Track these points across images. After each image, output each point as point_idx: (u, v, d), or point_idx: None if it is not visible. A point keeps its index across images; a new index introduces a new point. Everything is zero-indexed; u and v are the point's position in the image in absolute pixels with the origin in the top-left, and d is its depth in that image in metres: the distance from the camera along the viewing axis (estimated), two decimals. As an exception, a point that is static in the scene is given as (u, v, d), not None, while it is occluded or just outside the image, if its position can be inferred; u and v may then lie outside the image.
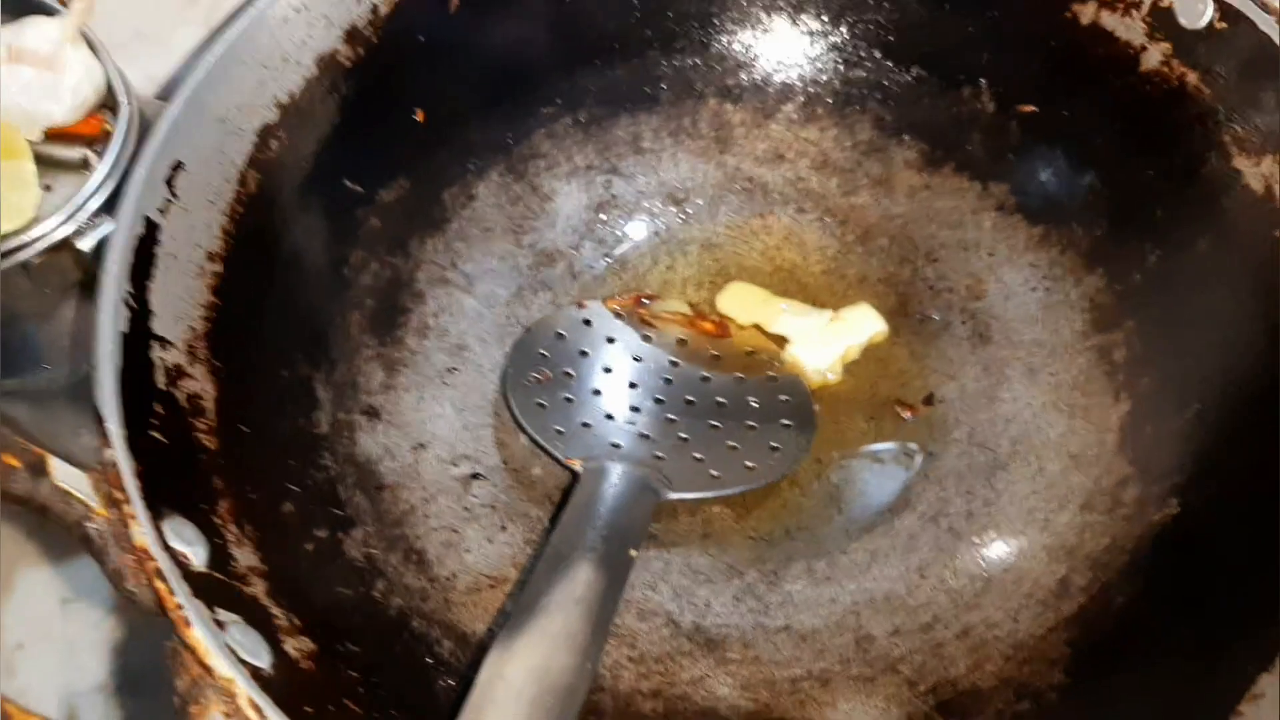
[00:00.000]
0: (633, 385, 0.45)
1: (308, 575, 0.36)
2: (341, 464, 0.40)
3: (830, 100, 0.50)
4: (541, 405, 0.44)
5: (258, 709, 0.28)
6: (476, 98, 0.47)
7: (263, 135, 0.41)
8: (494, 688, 0.32)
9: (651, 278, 0.49)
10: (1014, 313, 0.47)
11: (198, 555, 0.32)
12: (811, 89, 0.50)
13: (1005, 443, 0.44)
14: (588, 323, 0.46)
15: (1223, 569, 0.37)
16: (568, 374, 0.45)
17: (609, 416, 0.44)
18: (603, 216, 0.50)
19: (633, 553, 0.38)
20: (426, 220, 0.47)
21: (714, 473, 0.43)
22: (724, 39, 0.50)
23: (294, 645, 0.32)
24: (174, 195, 0.38)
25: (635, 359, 0.46)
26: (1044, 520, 0.42)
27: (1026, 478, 0.43)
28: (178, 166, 0.38)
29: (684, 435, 0.44)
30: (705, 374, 0.45)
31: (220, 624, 0.30)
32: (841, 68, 0.50)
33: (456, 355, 0.45)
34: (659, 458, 0.42)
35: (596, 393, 0.45)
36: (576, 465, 0.42)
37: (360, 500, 0.40)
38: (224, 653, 0.29)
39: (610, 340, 0.46)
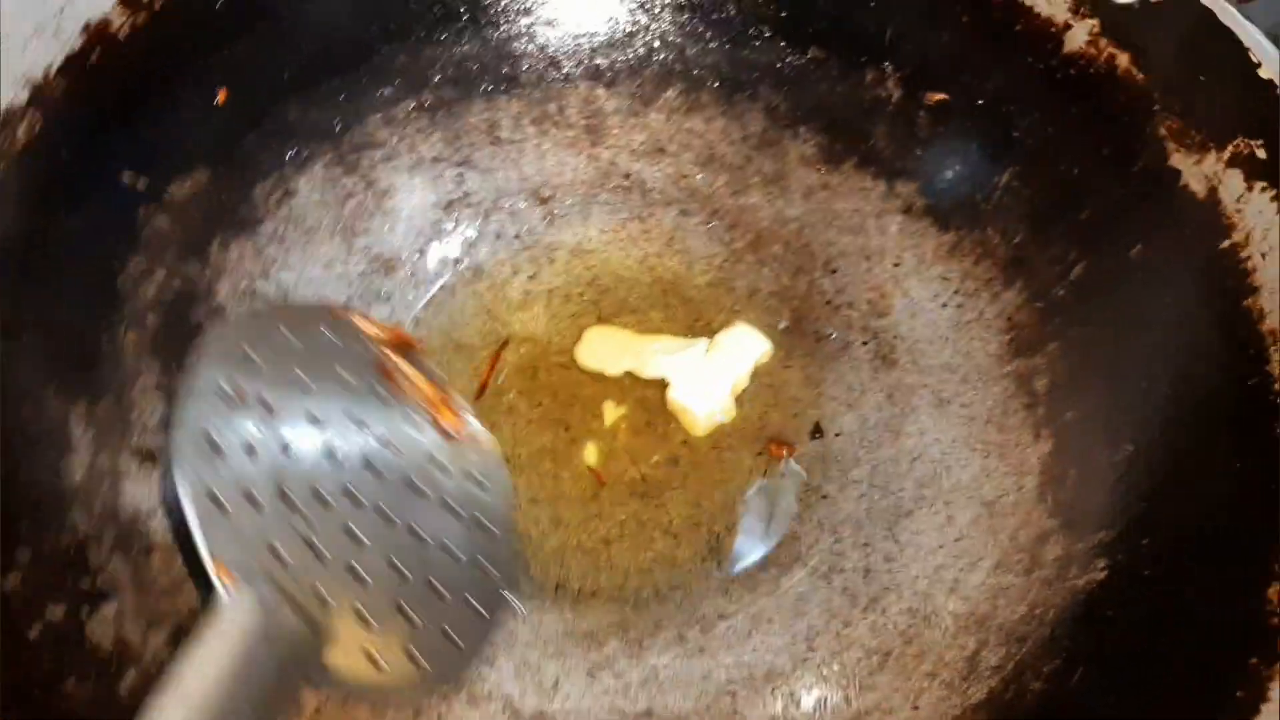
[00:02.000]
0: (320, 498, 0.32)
1: (26, 669, 0.28)
2: (97, 522, 0.33)
3: (717, 85, 0.44)
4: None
5: None
6: (293, 74, 0.40)
7: (7, 119, 0.33)
8: None
9: (512, 289, 0.42)
10: (922, 332, 0.40)
11: None
12: (695, 72, 0.44)
13: (910, 485, 0.38)
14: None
15: (1161, 647, 0.31)
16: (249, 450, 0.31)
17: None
18: (453, 216, 0.43)
19: None
20: (232, 220, 0.39)
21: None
22: (593, 9, 0.43)
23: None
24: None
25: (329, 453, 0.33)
26: (952, 581, 0.36)
27: (934, 528, 0.37)
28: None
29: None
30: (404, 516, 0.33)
31: None
32: (728, 47, 0.43)
33: (264, 383, 0.38)
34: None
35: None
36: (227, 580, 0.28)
37: (118, 566, 0.32)
38: None
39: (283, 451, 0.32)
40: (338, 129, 0.41)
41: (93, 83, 0.35)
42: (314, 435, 0.32)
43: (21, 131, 0.34)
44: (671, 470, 0.39)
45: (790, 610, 0.36)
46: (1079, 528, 0.35)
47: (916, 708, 0.33)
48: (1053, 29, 0.38)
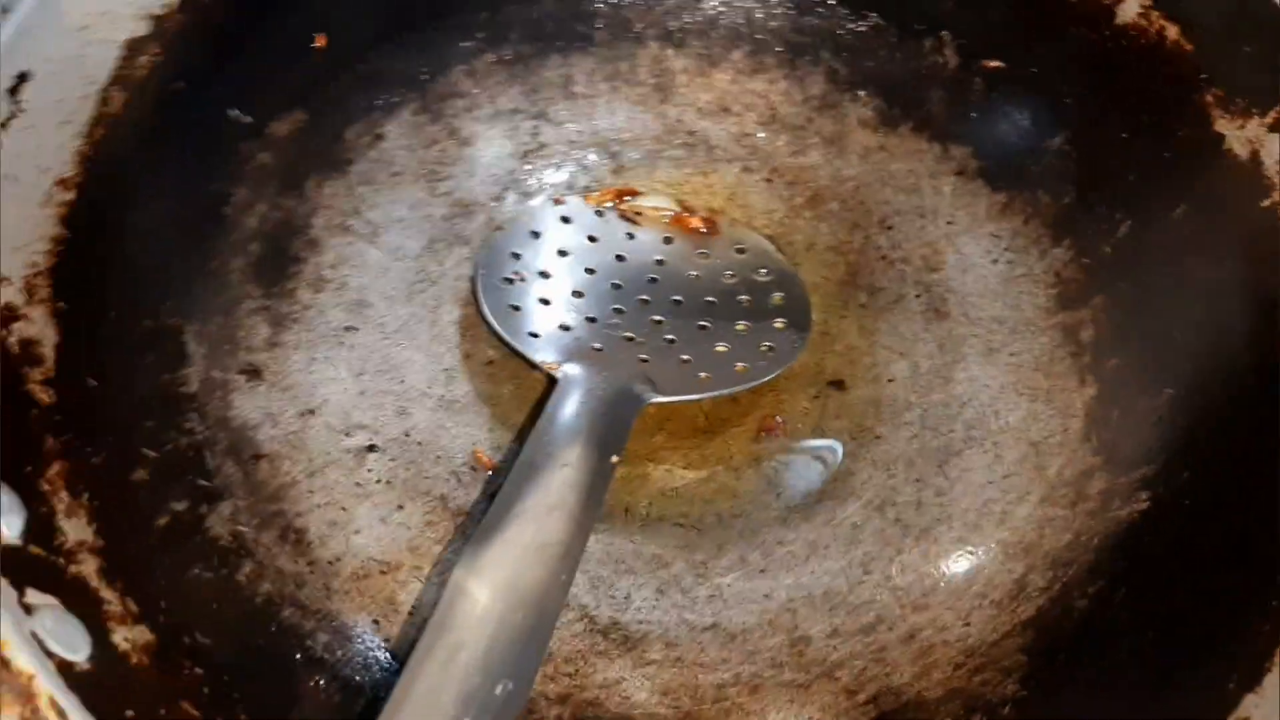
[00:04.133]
0: (615, 286, 0.42)
1: (155, 553, 0.31)
2: (212, 428, 0.35)
3: (780, 49, 0.46)
4: (515, 308, 0.41)
5: (60, 712, 0.23)
6: (386, 24, 0.42)
7: (131, 49, 0.36)
8: (458, 604, 0.29)
9: (580, 236, 0.45)
10: (973, 286, 0.43)
11: (10, 526, 0.26)
12: (760, 36, 0.46)
13: (960, 427, 0.40)
14: (566, 220, 0.43)
15: (1198, 572, 0.33)
16: (544, 274, 0.42)
17: (590, 319, 0.41)
18: (528, 166, 0.45)
19: (614, 459, 0.36)
20: (326, 160, 0.42)
21: (703, 374, 0.40)
22: (665, -26, 0.46)
23: (125, 636, 0.27)
24: (18, 108, 0.32)
25: (618, 258, 0.43)
26: (1000, 514, 0.38)
27: (982, 466, 0.39)
28: (23, 77, 0.33)
29: (670, 337, 0.41)
30: (693, 272, 0.43)
31: (28, 608, 0.24)
32: (793, 13, 0.46)
33: (356, 313, 0.40)
34: (644, 360, 0.40)
35: (577, 294, 0.42)
36: (554, 370, 0.39)
37: (231, 470, 0.35)
38: (27, 642, 0.23)
39: (591, 239, 0.43)
40: (424, 78, 0.44)
41: (207, 19, 0.37)
42: (595, 277, 0.42)
43: (143, 62, 0.36)
44: (731, 408, 0.42)
45: (846, 538, 0.38)
46: (1121, 464, 0.37)
47: (968, 624, 0.36)
48: (1106, 1, 0.41)
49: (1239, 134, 0.38)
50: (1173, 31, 0.39)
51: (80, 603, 0.27)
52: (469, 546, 0.31)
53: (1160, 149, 0.40)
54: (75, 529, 0.29)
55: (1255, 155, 0.37)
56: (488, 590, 0.29)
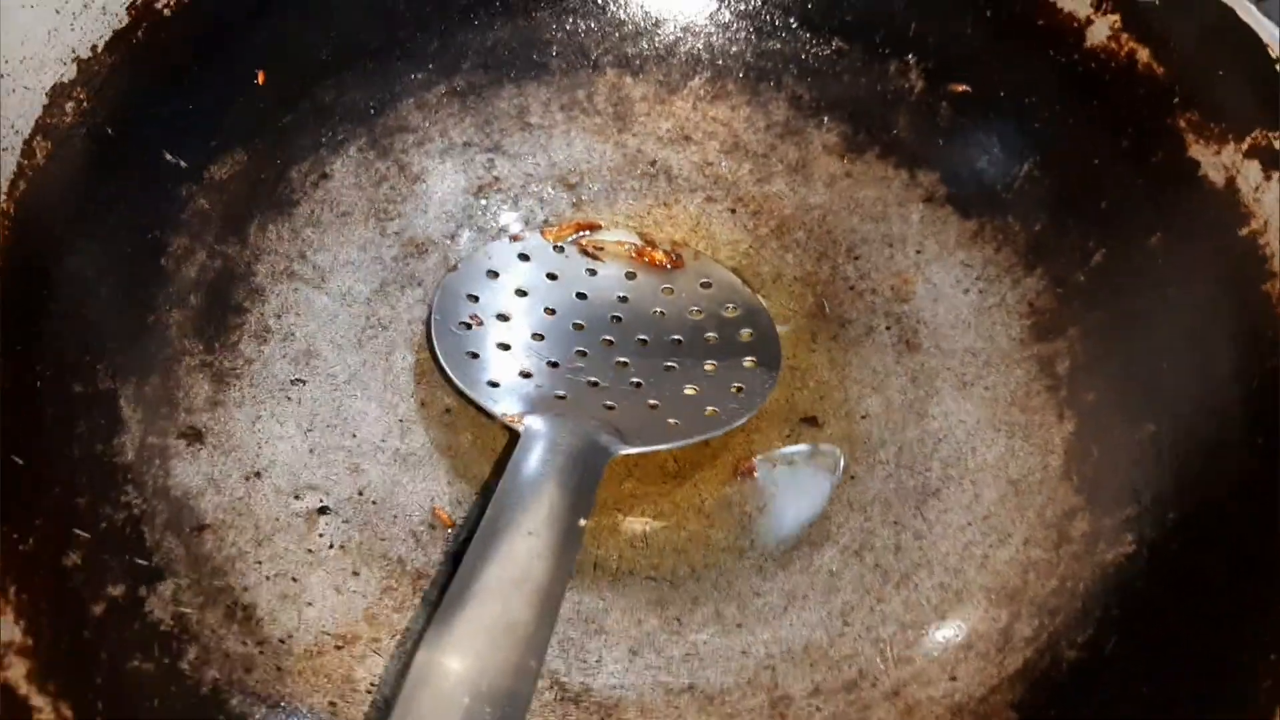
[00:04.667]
0: (578, 326, 0.40)
1: (91, 648, 0.28)
2: (150, 499, 0.33)
3: (742, 75, 0.44)
4: (473, 355, 0.39)
5: None
6: (330, 57, 0.40)
7: (55, 96, 0.33)
8: (421, 696, 0.27)
9: (539, 273, 0.43)
10: (944, 317, 0.42)
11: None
12: (721, 61, 0.45)
13: (936, 465, 0.39)
14: (525, 257, 0.42)
15: (1192, 620, 0.32)
16: (503, 317, 0.40)
17: (552, 364, 0.39)
18: (483, 201, 0.43)
19: (582, 523, 0.34)
20: (269, 202, 0.39)
21: (671, 420, 0.38)
22: (622, 0, 0.44)
23: (57, 748, 0.25)
24: (-71, 166, 0.30)
25: (580, 296, 0.41)
26: (982, 557, 0.37)
27: (961, 506, 0.38)
28: (-65, 130, 0.30)
29: (637, 380, 0.39)
30: (658, 309, 0.41)
31: (-54, 731, 0.22)
32: (754, 37, 0.44)
33: (303, 364, 0.38)
34: (609, 407, 0.38)
35: (537, 336, 0.40)
36: (516, 424, 0.37)
37: (172, 544, 0.33)
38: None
39: (551, 277, 0.41)
40: (371, 112, 0.42)
41: (137, 61, 0.35)
42: (556, 318, 0.40)
43: (69, 108, 0.34)
44: (702, 450, 0.40)
45: (824, 586, 0.37)
46: (1105, 504, 0.36)
47: (954, 679, 0.34)
48: (1075, 24, 0.40)
49: (1215, 160, 0.37)
50: (1144, 54, 0.38)
51: (8, 712, 0.25)
52: (431, 626, 0.29)
53: (1134, 175, 0.39)
54: (1, 629, 0.26)
55: (1231, 182, 0.36)
56: (453, 678, 0.27)
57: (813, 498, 0.39)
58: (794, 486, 0.39)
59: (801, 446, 0.40)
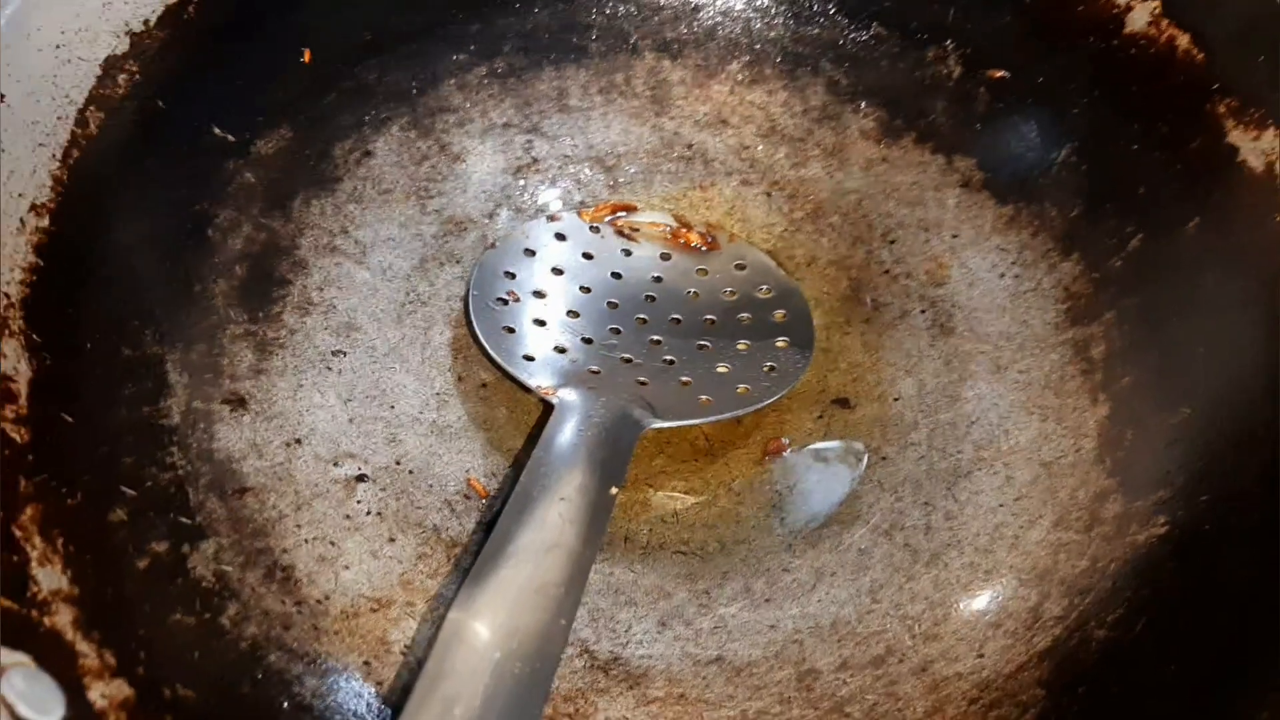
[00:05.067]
0: (612, 304, 0.41)
1: (135, 600, 0.29)
2: (194, 462, 0.34)
3: (779, 60, 0.45)
4: (509, 329, 0.40)
5: (30, 785, 0.21)
6: (374, 37, 0.41)
7: (108, 67, 0.34)
8: (454, 650, 0.28)
9: (575, 253, 0.43)
10: (979, 301, 0.42)
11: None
12: (759, 46, 0.45)
13: (968, 447, 0.39)
14: (561, 237, 0.42)
15: (1219, 598, 0.32)
16: (539, 294, 0.41)
17: (586, 340, 0.40)
18: (521, 181, 0.44)
19: (614, 491, 0.34)
20: (313, 177, 0.40)
21: (703, 397, 0.39)
22: (661, -17, 0.44)
23: (102, 692, 0.26)
24: (-11, 132, 0.31)
25: (615, 275, 0.42)
26: (1013, 538, 0.37)
27: (993, 488, 0.38)
28: (-5, 98, 0.31)
29: (670, 358, 0.40)
30: (692, 289, 0.42)
31: (-1, 669, 0.23)
32: (792, 23, 0.44)
33: (344, 336, 0.39)
34: (642, 383, 0.38)
35: (572, 314, 0.40)
36: (550, 395, 0.37)
37: (215, 506, 0.34)
38: (-5, 708, 0.22)
39: (587, 256, 0.42)
40: (414, 92, 0.42)
41: (188, 36, 0.36)
42: (591, 295, 0.41)
43: (122, 80, 0.35)
44: (734, 429, 0.40)
45: (853, 565, 0.37)
46: (1137, 486, 0.36)
47: (981, 655, 0.34)
48: (1114, 10, 0.40)
49: (1254, 145, 0.37)
50: (1184, 40, 0.38)
51: (55, 659, 0.25)
52: (464, 587, 0.29)
53: (1172, 161, 0.39)
54: (49, 578, 0.27)
55: (1270, 168, 0.36)
56: (485, 636, 0.28)
57: (841, 481, 0.39)
58: (823, 471, 0.40)
59: (834, 443, 0.40)
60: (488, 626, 0.28)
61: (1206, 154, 0.38)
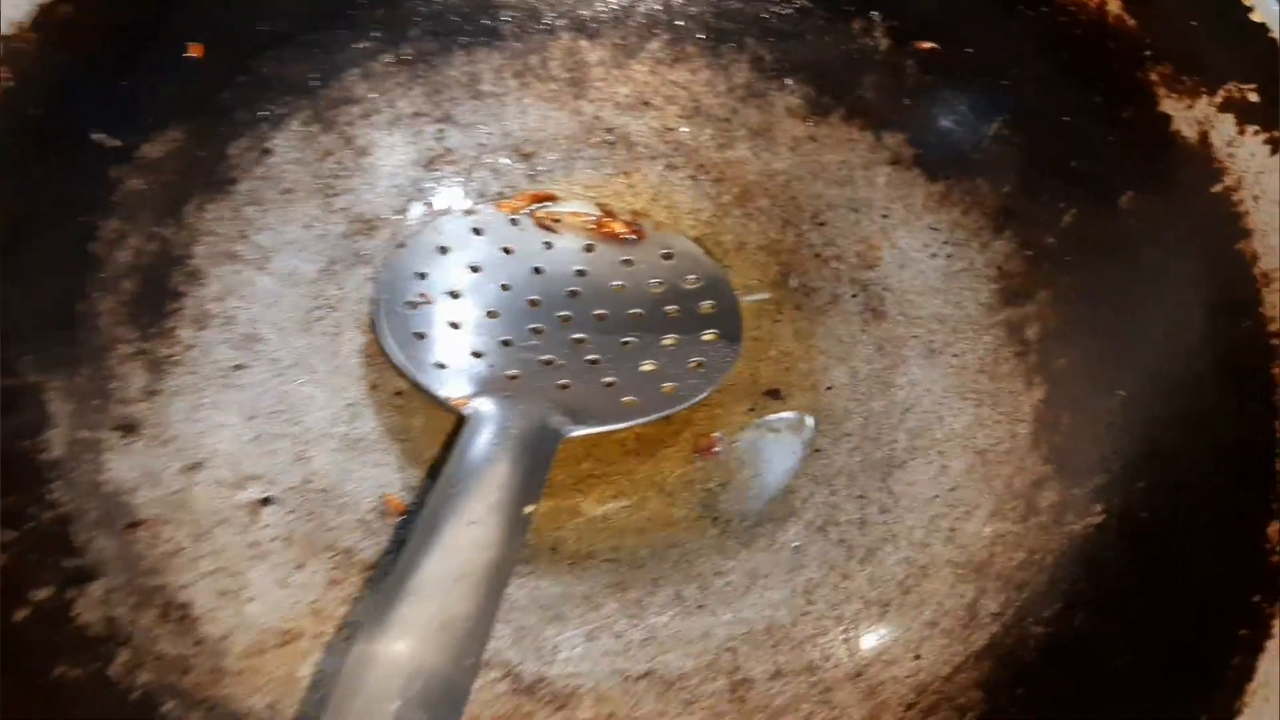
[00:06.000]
0: (533, 302, 0.39)
1: (13, 655, 0.27)
2: (80, 497, 0.32)
3: (702, 36, 0.43)
4: (420, 335, 0.37)
5: None
6: (269, 27, 0.39)
7: (-30, 75, 0.32)
8: (353, 695, 0.26)
9: (494, 247, 0.41)
10: (911, 283, 0.40)
11: None
12: (680, 23, 0.43)
13: (903, 436, 0.38)
14: (478, 231, 0.40)
15: (1161, 593, 0.31)
16: (454, 294, 0.38)
17: (505, 342, 0.38)
18: (434, 174, 0.42)
19: (528, 510, 0.32)
20: (207, 180, 0.38)
21: (627, 399, 0.37)
22: (575, -41, 0.42)
23: (-31, 765, 0.24)
24: None
25: (536, 270, 0.40)
26: (949, 530, 0.36)
27: (928, 478, 0.37)
28: None
29: (593, 357, 0.38)
30: (617, 282, 0.40)
31: None
32: (714, -4, 0.42)
33: (245, 348, 0.37)
34: (563, 386, 0.37)
35: (491, 314, 0.38)
36: (462, 406, 0.36)
37: (103, 543, 0.32)
38: None
39: (506, 251, 0.40)
40: (314, 84, 0.40)
41: (64, 37, 0.34)
42: (511, 294, 0.39)
43: (-10, 89, 0.32)
44: (664, 428, 0.39)
45: (787, 564, 0.36)
46: (1074, 473, 0.35)
47: (918, 657, 0.33)
48: (1043, -25, 0.38)
49: (1187, 114, 0.36)
50: (1115, 5, 0.37)
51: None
52: (365, 625, 0.28)
53: (1105, 132, 0.37)
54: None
55: (1205, 137, 0.35)
56: (385, 678, 0.26)
57: (777, 473, 0.38)
58: (760, 460, 0.38)
59: (787, 414, 0.39)
60: (394, 661, 0.27)
61: (1140, 124, 0.37)
